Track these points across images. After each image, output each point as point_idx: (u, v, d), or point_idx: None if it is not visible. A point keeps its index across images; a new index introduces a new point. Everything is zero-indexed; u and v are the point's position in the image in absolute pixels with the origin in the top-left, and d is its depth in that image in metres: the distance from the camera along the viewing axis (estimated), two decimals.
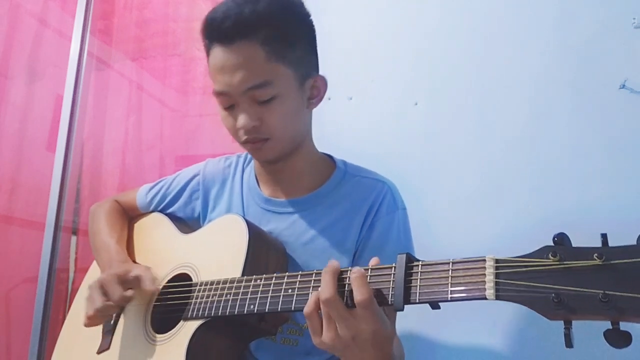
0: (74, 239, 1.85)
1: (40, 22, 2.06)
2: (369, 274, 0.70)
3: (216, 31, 0.89)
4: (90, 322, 0.94)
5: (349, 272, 0.70)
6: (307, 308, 0.69)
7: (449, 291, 0.62)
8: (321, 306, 0.67)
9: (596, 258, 0.54)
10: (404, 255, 0.68)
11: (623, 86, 1.25)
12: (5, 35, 2.04)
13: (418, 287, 0.65)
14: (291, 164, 1.00)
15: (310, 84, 0.96)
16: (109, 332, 1.00)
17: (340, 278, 0.70)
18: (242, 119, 0.90)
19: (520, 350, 1.22)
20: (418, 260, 0.68)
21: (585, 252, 0.56)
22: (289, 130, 0.94)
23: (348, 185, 1.01)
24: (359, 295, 0.65)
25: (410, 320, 1.23)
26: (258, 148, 0.94)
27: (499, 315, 1.23)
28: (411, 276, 0.66)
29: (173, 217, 1.13)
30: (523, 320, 1.21)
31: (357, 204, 0.98)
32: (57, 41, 2.04)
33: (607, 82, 1.26)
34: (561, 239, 0.58)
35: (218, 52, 0.89)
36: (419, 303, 0.64)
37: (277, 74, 0.89)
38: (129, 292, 0.91)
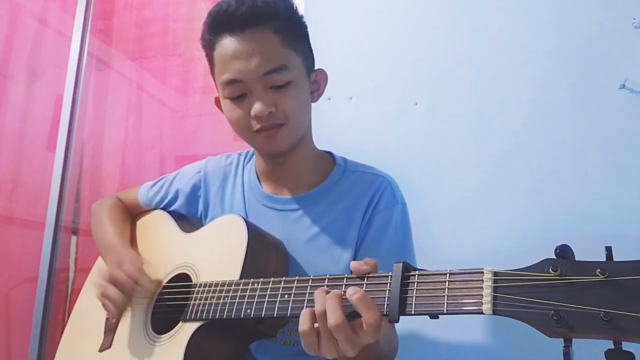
0: (74, 239, 1.85)
1: (40, 22, 2.06)
2: (365, 282, 0.68)
3: (229, 20, 0.90)
4: (114, 317, 0.98)
5: (344, 279, 0.69)
6: (303, 326, 0.66)
7: (445, 304, 0.60)
8: (327, 330, 0.64)
9: (599, 274, 0.52)
10: (401, 264, 0.65)
11: (623, 86, 1.25)
12: (5, 35, 2.04)
13: (414, 298, 0.63)
14: (292, 160, 1.01)
15: (313, 77, 0.99)
16: (110, 331, 1.01)
17: (335, 286, 0.69)
18: (258, 106, 0.89)
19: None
20: (415, 269, 0.66)
21: (587, 267, 0.53)
22: (302, 118, 0.95)
23: (348, 181, 1.01)
24: (369, 317, 0.62)
25: (410, 320, 1.23)
26: (272, 135, 0.92)
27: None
28: (407, 287, 0.64)
29: (175, 215, 1.13)
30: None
31: (357, 200, 0.98)
32: (57, 41, 2.04)
33: (607, 82, 1.26)
34: (564, 252, 0.55)
35: (229, 41, 0.90)
36: (415, 315, 0.62)
37: (291, 60, 0.91)
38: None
